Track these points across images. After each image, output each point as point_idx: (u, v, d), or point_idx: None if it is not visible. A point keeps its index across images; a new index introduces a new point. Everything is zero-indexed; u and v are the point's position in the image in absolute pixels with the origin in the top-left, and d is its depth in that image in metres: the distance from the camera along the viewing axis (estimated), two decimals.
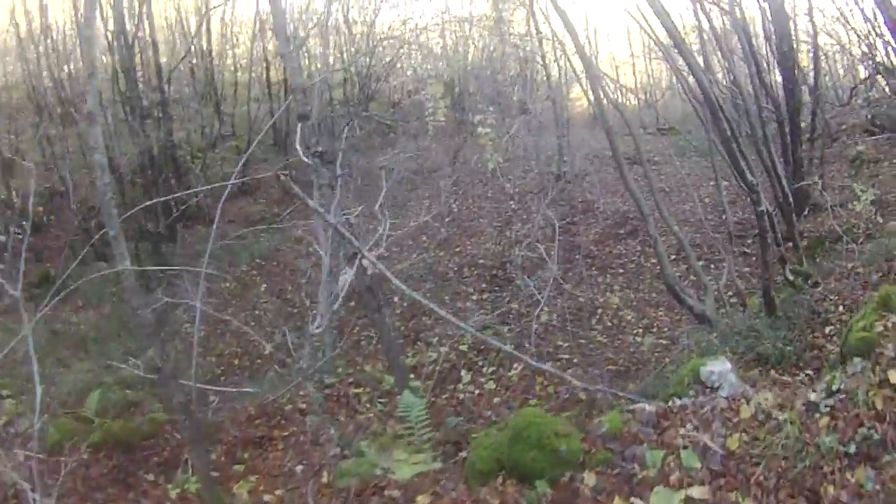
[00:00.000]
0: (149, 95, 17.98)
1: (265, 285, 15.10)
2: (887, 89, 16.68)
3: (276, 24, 9.62)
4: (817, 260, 10.47)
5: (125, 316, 12.31)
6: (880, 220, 8.69)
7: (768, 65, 15.55)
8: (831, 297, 8.22)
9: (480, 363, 10.25)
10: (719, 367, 5.35)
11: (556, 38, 15.92)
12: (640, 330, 10.32)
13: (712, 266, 12.31)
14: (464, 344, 10.92)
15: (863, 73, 18.90)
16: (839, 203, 11.07)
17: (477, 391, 9.33)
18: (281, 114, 19.10)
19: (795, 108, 12.30)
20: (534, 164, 17.38)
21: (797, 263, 9.48)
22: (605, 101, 9.01)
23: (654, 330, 10.21)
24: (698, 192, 14.59)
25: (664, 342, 9.40)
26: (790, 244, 9.89)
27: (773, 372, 6.60)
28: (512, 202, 16.35)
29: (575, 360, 9.51)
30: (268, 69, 21.94)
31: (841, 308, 7.87)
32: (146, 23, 18.44)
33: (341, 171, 9.87)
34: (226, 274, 15.03)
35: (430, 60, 23.82)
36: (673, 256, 11.91)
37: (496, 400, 8.82)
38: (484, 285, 13.21)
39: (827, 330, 7.40)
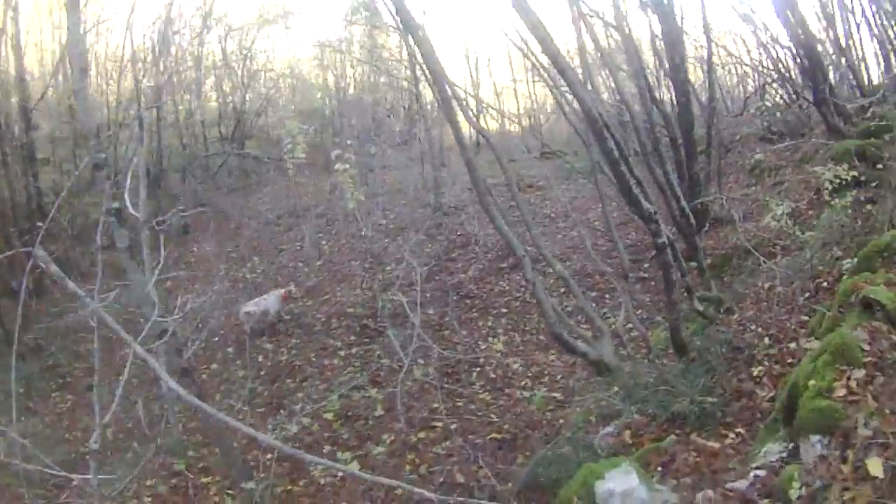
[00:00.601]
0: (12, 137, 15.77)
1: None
2: (783, 97, 16.28)
3: (72, 53, 7.74)
4: (725, 280, 9.32)
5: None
6: (799, 232, 7.49)
7: (657, 80, 14.79)
8: (751, 327, 6.89)
9: (346, 436, 8.58)
10: (623, 484, 3.84)
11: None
12: (529, 381, 8.87)
13: (607, 297, 11.07)
14: (329, 411, 9.23)
15: (753, 84, 18.64)
16: (742, 216, 10.03)
17: (339, 474, 7.61)
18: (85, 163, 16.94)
19: (689, 122, 11.28)
20: (410, 197, 15.92)
21: (704, 288, 8.22)
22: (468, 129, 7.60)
23: (546, 380, 8.80)
24: (586, 216, 13.44)
25: (557, 395, 7.98)
26: (693, 265, 8.67)
27: (694, 435, 5.20)
28: (386, 240, 14.80)
29: (453, 426, 7.92)
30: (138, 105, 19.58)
31: (767, 340, 6.52)
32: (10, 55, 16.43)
33: (164, 224, 8.10)
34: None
35: (309, 94, 22.39)
36: (562, 289, 10.58)
37: (360, 489, 7.13)
38: (353, 338, 11.55)
39: (754, 371, 6.00)
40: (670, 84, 12.79)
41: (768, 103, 14.97)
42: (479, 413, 8.11)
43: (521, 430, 7.12)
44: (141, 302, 6.58)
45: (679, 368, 6.11)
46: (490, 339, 10.54)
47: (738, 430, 5.23)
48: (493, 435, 7.29)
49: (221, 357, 11.96)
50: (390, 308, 10.89)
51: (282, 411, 9.87)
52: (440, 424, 7.95)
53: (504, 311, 11.34)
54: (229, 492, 7.74)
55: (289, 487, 7.56)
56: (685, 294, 7.22)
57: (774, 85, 16.36)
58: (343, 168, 10.97)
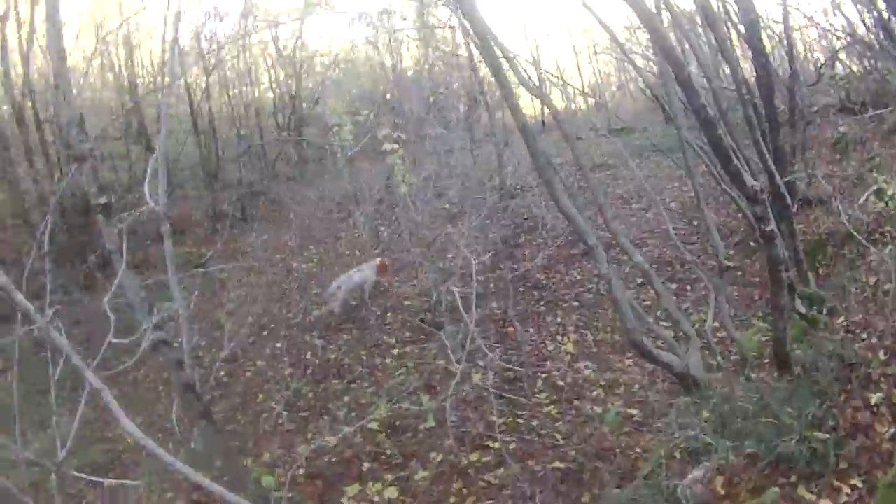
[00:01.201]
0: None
1: None
2: (859, 65, 14.59)
3: (51, 40, 6.78)
4: (820, 273, 7.88)
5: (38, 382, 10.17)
6: None
7: (731, 43, 13.29)
8: (862, 336, 5.53)
9: (389, 452, 7.51)
10: None
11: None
12: (602, 392, 7.61)
13: (688, 289, 9.69)
14: (374, 420, 8.19)
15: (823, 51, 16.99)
16: (836, 195, 8.57)
17: (377, 501, 6.56)
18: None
19: (769, 87, 9.76)
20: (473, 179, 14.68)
21: (801, 283, 6.82)
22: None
23: (621, 391, 7.54)
24: (661, 196, 12.03)
25: (635, 414, 6.70)
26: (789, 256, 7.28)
27: (802, 488, 3.94)
28: (447, 225, 13.65)
29: (511, 446, 6.75)
30: (190, 99, 19.02)
31: (882, 354, 5.16)
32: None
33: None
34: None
35: (365, 78, 21.43)
36: (639, 280, 9.27)
37: None
38: (408, 334, 10.48)
39: (872, 398, 4.66)
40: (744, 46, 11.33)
41: (843, 71, 13.41)
42: (542, 432, 6.92)
43: (589, 459, 5.88)
44: (133, 307, 5.62)
45: (783, 390, 4.79)
46: (559, 337, 9.33)
47: (853, 481, 3.98)
48: (557, 464, 6.08)
49: (270, 353, 11.10)
50: (447, 302, 9.76)
51: (324, 417, 8.97)
52: (496, 445, 6.78)
53: (575, 304, 10.10)
54: None
55: None
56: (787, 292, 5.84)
57: (849, 51, 14.63)
58: (391, 148, 9.94)
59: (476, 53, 14.05)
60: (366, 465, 7.39)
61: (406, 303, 11.37)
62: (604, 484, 5.17)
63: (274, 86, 21.19)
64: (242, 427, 9.29)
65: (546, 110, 16.64)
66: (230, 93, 19.88)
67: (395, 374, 9.40)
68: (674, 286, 9.72)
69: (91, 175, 5.53)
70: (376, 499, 6.53)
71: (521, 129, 5.97)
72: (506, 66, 6.45)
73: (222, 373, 10.85)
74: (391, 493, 6.50)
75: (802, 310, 5.80)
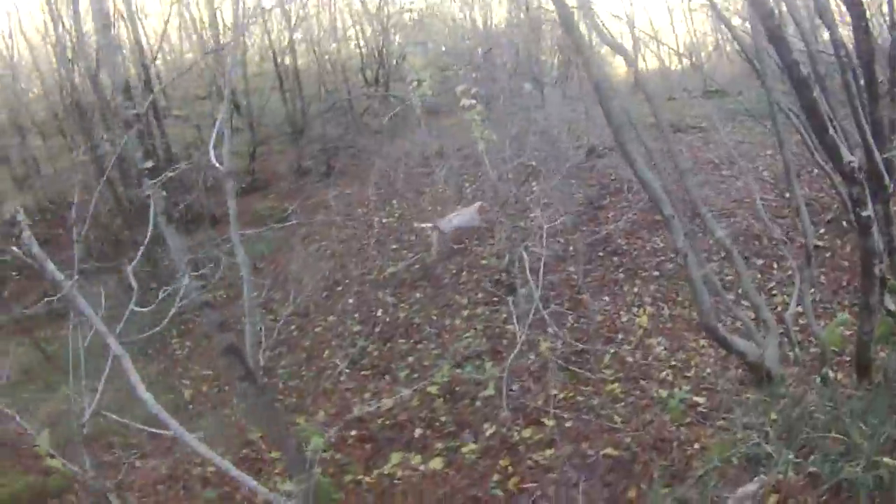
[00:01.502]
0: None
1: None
2: None
3: (94, 9, 6.55)
4: None
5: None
6: None
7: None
8: None
9: (444, 419, 7.25)
10: None
11: None
12: (671, 374, 7.08)
13: (774, 266, 8.96)
14: (435, 383, 7.97)
15: None
16: None
17: (422, 470, 6.30)
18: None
19: (869, 52, 8.68)
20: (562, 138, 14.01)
21: (892, 275, 6.07)
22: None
23: (691, 374, 6.98)
24: (754, 164, 11.16)
25: (700, 402, 6.16)
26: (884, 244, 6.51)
27: None
28: (534, 184, 13.13)
29: (568, 425, 6.36)
30: (275, 57, 18.87)
31: None
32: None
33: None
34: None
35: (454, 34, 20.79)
36: (722, 254, 8.60)
37: (440, 493, 5.79)
38: (481, 295, 10.12)
39: None
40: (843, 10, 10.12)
41: None
42: (602, 412, 6.46)
43: (644, 449, 5.39)
44: (178, 268, 5.45)
45: (859, 399, 4.21)
46: (634, 309, 8.78)
47: None
48: (609, 450, 5.64)
49: (341, 308, 10.98)
50: (519, 264, 9.36)
51: (385, 377, 8.80)
52: (550, 423, 6.40)
53: (655, 273, 9.49)
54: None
55: (359, 477, 6.33)
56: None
57: None
58: (469, 104, 9.50)
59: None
60: (418, 432, 7.16)
61: (482, 262, 10.99)
62: (653, 480, 4.71)
63: (361, 42, 20.79)
64: (304, 383, 9.22)
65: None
66: (316, 49, 19.62)
67: (463, 336, 9.10)
68: (759, 262, 9.00)
69: (136, 140, 5.34)
70: (421, 467, 6.24)
71: (594, 86, 5.46)
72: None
73: (292, 327, 10.83)
74: (436, 464, 6.22)
75: (892, 306, 5.13)
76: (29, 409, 8.33)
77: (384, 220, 13.65)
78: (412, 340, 9.53)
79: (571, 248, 10.76)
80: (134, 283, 4.57)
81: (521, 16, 16.65)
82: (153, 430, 4.29)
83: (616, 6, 21.62)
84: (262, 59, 19.93)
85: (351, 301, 11.10)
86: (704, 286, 5.20)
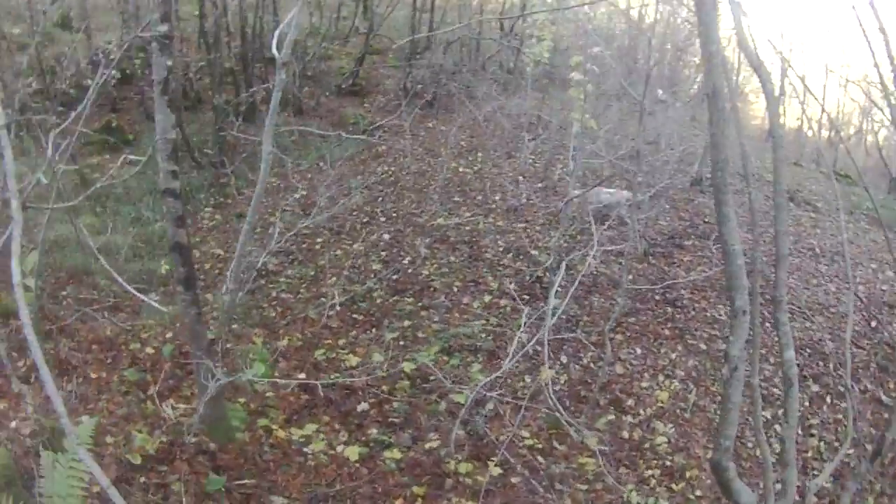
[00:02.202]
0: None
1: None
2: None
3: None
4: None
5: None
6: None
7: None
8: None
9: (395, 405, 6.01)
10: None
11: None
12: (658, 479, 5.48)
13: (827, 402, 7.11)
14: (411, 361, 6.68)
15: None
16: None
17: (333, 452, 5.06)
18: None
19: None
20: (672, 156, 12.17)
21: None
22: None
23: (678, 489, 5.39)
24: (854, 271, 9.16)
25: None
26: None
27: None
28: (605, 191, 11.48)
29: (511, 481, 4.96)
30: None
31: None
32: None
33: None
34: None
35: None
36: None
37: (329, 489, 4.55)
38: (513, 286, 8.60)
39: None
40: None
41: None
42: (557, 486, 5.01)
43: None
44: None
45: None
46: (661, 377, 7.17)
47: None
48: None
49: (374, 240, 9.74)
50: (566, 272, 7.85)
51: (373, 330, 7.61)
52: (496, 471, 5.00)
53: (702, 347, 7.75)
54: None
55: (274, 427, 5.14)
56: None
57: None
58: (578, 79, 7.90)
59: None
60: (361, 406, 5.95)
61: (533, 252, 9.49)
62: None
63: None
64: (294, 302, 8.04)
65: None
66: None
67: (471, 322, 7.69)
68: (814, 388, 7.09)
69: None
70: (336, 448, 4.99)
71: (709, 95, 3.82)
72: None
73: (318, 240, 9.67)
74: (351, 453, 5.00)
75: None
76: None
77: (461, 169, 12.20)
78: (420, 304, 8.18)
79: (630, 276, 9.17)
80: None
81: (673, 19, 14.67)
82: None
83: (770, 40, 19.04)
84: None
85: (386, 237, 9.81)
86: (736, 416, 3.63)
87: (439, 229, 9.97)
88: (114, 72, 13.37)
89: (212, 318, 7.03)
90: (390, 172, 12.12)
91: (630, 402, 6.56)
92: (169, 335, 6.84)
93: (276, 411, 5.73)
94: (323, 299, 7.98)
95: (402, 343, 7.28)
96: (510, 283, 8.67)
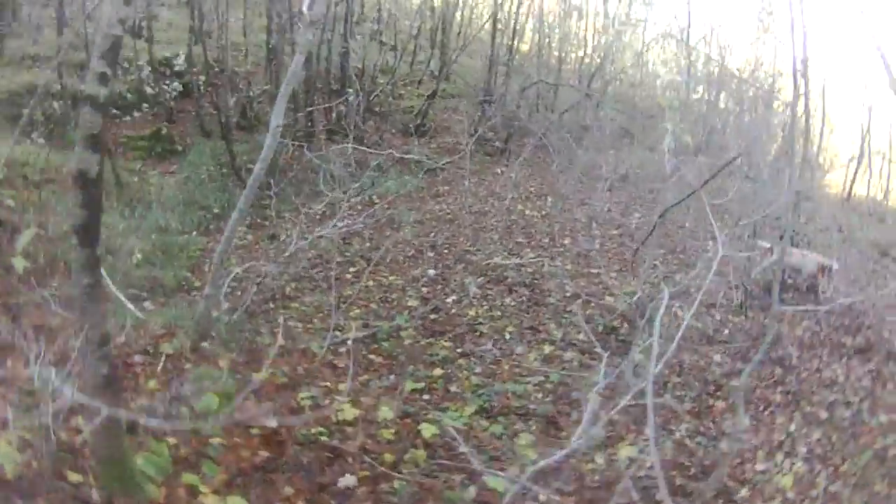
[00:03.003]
0: None
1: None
2: None
3: None
4: None
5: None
6: None
7: None
8: None
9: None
10: None
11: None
12: None
13: None
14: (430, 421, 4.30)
15: None
16: None
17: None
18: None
19: None
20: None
21: None
22: None
23: None
24: None
25: None
26: None
27: None
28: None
29: None
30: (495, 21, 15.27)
31: None
32: None
33: None
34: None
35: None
36: None
37: None
38: (581, 336, 6.17)
39: None
40: None
41: None
42: None
43: None
44: None
45: None
46: (780, 456, 4.55)
47: None
48: None
49: (417, 274, 7.45)
50: (649, 321, 5.42)
51: (391, 377, 5.18)
52: None
53: (823, 415, 5.11)
54: None
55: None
56: None
57: None
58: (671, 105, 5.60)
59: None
60: (350, 480, 3.49)
61: (608, 297, 7.02)
62: None
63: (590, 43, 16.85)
64: (294, 335, 5.75)
65: None
66: (540, 33, 15.97)
67: (522, 380, 5.26)
68: None
69: None
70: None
71: None
72: None
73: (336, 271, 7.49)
74: None
75: None
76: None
77: (527, 212, 9.92)
78: (459, 350, 5.80)
79: (727, 330, 6.63)
80: None
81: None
82: None
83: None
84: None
85: (431, 272, 7.53)
86: None
87: (496, 269, 7.65)
88: (176, 83, 12.13)
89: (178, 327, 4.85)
90: (448, 211, 9.90)
91: (744, 491, 3.99)
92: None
93: (216, 467, 3.39)
94: (337, 332, 5.68)
95: (425, 397, 4.91)
96: (578, 332, 6.23)
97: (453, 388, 5.07)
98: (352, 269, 7.51)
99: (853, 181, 16.87)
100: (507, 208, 9.78)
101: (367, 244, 8.32)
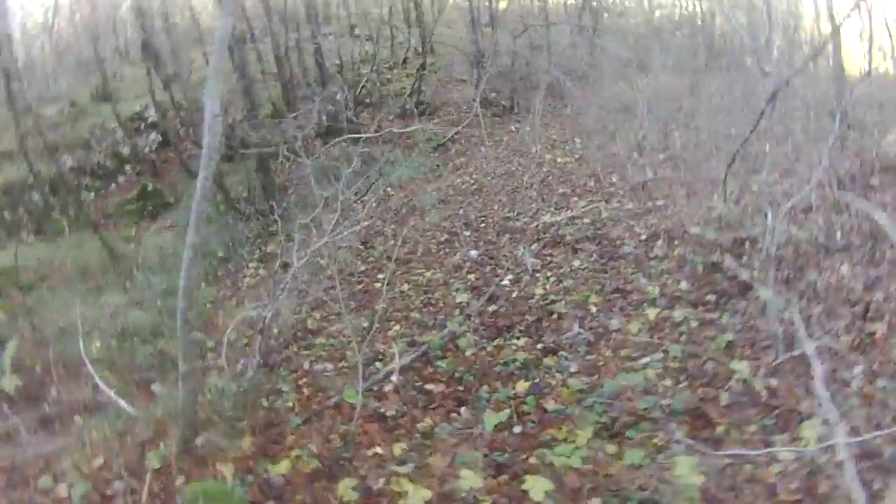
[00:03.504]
0: None
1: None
2: None
3: None
4: None
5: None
6: None
7: None
8: None
9: None
10: None
11: None
12: None
13: None
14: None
15: None
16: None
17: None
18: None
19: None
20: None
21: None
22: None
23: None
24: None
25: None
26: None
27: None
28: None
29: None
30: None
31: None
32: None
33: None
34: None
35: None
36: None
37: None
38: (682, 285, 4.45)
39: None
40: None
41: None
42: None
43: None
44: None
45: None
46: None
47: None
48: None
49: (456, 262, 5.78)
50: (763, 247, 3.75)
51: (452, 400, 3.46)
52: None
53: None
54: None
55: None
56: None
57: None
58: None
59: None
60: None
61: (693, 230, 5.29)
62: None
63: None
64: (322, 382, 4.13)
65: None
66: None
67: (640, 363, 3.60)
68: None
69: None
70: None
71: None
72: None
73: (362, 284, 5.86)
74: None
75: None
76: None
77: (559, 159, 8.17)
78: (538, 346, 4.11)
79: (838, 234, 4.87)
80: None
81: None
82: None
83: None
84: None
85: (473, 254, 5.85)
86: None
87: (547, 230, 5.95)
88: (153, 134, 10.73)
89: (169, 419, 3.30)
90: (472, 181, 8.23)
91: None
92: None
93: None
94: (377, 364, 4.06)
95: (516, 430, 3.24)
96: (678, 281, 4.53)
97: (550, 406, 3.41)
98: (380, 276, 5.88)
99: None
100: (537, 161, 8.06)
101: (392, 242, 6.68)
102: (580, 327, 4.16)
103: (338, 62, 11.85)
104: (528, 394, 3.57)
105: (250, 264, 7.49)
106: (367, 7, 16.08)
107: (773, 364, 3.74)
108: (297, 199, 8.15)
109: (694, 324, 4.02)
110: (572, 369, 3.74)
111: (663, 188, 6.57)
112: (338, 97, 10.58)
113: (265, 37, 11.58)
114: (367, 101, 11.62)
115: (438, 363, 4.08)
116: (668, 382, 3.52)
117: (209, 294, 7.03)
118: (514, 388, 3.65)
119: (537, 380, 3.68)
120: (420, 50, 13.17)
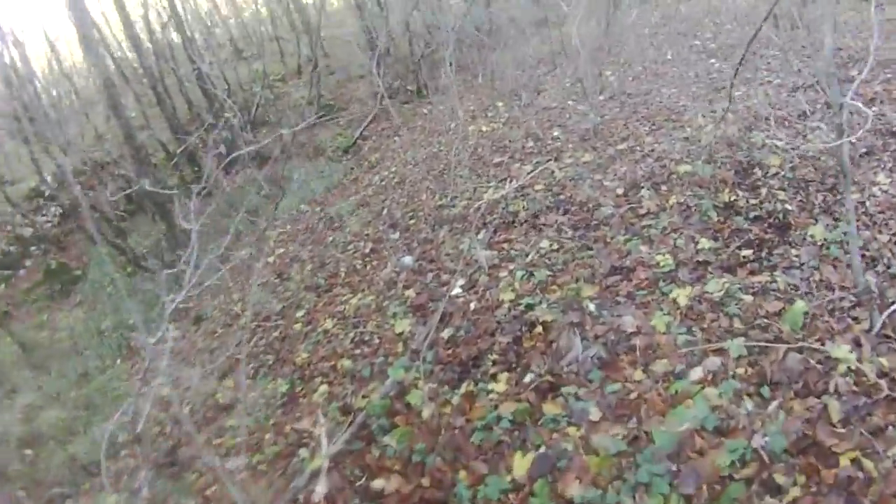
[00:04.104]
0: None
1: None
2: None
3: None
4: None
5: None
6: None
7: None
8: None
9: None
10: None
11: None
12: None
13: None
14: None
15: None
16: None
17: None
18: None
19: None
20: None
21: None
22: None
23: None
24: None
25: None
26: None
27: None
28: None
29: None
30: None
31: None
32: None
33: None
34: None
35: None
36: None
37: None
38: (702, 240, 2.94)
39: None
40: None
41: None
42: None
43: None
44: None
45: None
46: None
47: None
48: None
49: (385, 275, 4.18)
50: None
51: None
52: None
53: None
54: None
55: None
56: None
57: None
58: None
59: None
60: None
61: (684, 166, 3.84)
62: None
63: None
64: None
65: None
66: None
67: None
68: None
69: None
70: None
71: None
72: None
73: (278, 330, 4.20)
74: None
75: None
76: None
77: (484, 127, 6.62)
78: (524, 379, 2.56)
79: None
80: None
81: None
82: None
83: None
84: None
85: (407, 261, 4.24)
86: None
87: (493, 210, 4.37)
88: (54, 207, 8.95)
89: None
90: (391, 174, 6.62)
91: None
92: None
93: None
94: (301, 451, 2.45)
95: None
96: (693, 239, 3.07)
97: (575, 493, 1.87)
98: (299, 314, 4.23)
99: None
100: (461, 136, 6.52)
101: (310, 267, 5.04)
102: (580, 339, 2.63)
103: (226, 87, 10.12)
104: (534, 477, 2.02)
105: (168, 325, 5.77)
106: (252, 28, 14.44)
107: (873, 332, 2.31)
108: (208, 237, 6.44)
109: (745, 298, 2.55)
110: (592, 415, 2.20)
111: (619, 129, 5.12)
112: (234, 122, 8.85)
113: (143, 77, 9.81)
114: (266, 119, 9.89)
115: (385, 440, 2.49)
116: (749, 404, 2.03)
117: (123, 370, 5.51)
118: (508, 469, 2.10)
119: (541, 447, 2.14)
120: (310, 50, 11.45)
